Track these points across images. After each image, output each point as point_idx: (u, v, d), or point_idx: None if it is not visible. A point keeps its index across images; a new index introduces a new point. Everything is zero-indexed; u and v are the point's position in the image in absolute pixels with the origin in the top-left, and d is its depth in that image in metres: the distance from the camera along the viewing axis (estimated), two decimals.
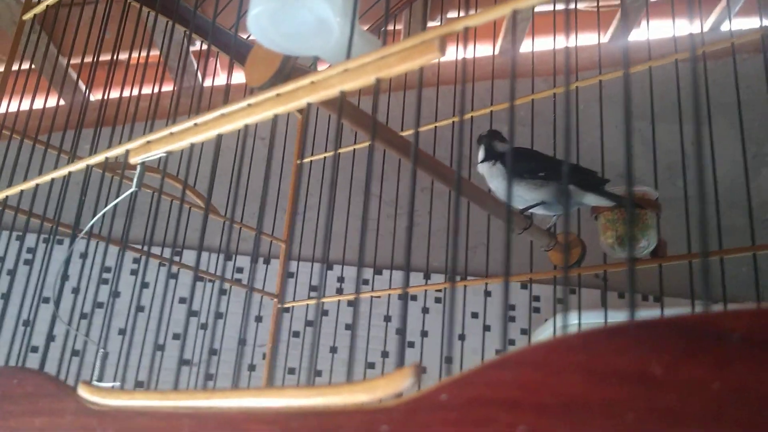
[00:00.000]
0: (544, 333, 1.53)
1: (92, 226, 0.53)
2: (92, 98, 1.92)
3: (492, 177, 0.92)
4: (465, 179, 0.75)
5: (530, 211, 0.89)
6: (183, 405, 0.40)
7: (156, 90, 1.75)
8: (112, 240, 0.80)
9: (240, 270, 1.73)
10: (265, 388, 0.36)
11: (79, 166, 0.54)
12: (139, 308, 1.66)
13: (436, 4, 1.77)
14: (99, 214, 0.50)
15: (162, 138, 0.48)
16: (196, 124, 0.47)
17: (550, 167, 0.89)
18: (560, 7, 1.70)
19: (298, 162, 0.99)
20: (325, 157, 1.00)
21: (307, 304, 1.65)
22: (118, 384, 0.44)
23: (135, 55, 1.66)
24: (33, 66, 1.52)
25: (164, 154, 0.48)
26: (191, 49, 1.87)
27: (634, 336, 0.25)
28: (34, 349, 1.58)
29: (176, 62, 1.86)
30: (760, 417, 0.22)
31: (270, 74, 0.43)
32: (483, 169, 0.94)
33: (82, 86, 1.86)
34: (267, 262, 1.66)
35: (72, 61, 1.81)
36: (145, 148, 0.49)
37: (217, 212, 0.85)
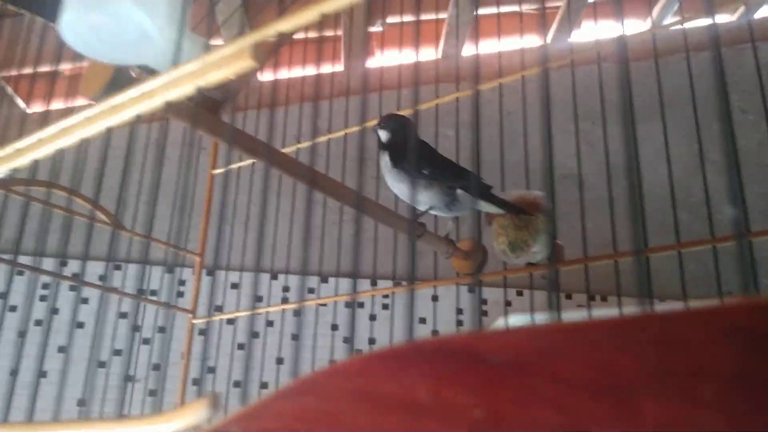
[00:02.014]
0: None
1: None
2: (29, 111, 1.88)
3: (383, 170, 0.88)
4: (353, 192, 0.74)
5: (432, 214, 0.85)
6: None
7: None
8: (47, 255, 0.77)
9: (182, 283, 1.69)
10: (75, 421, 0.34)
11: None
12: (79, 325, 1.62)
13: (376, 8, 1.76)
14: None
15: (6, 155, 0.46)
16: (39, 139, 0.45)
17: (436, 167, 0.85)
18: (490, 11, 1.69)
19: (213, 172, 0.97)
20: (240, 167, 0.97)
21: (252, 314, 1.62)
22: None
23: (63, 66, 1.62)
24: None
25: (10, 171, 0.46)
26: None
27: (404, 360, 0.24)
28: None
29: None
30: None
31: (101, 85, 0.41)
32: (381, 164, 0.89)
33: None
34: (208, 273, 1.63)
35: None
36: (16, 155, 0.46)
37: (122, 227, 0.82)
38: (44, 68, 1.76)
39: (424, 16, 1.83)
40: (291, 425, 0.26)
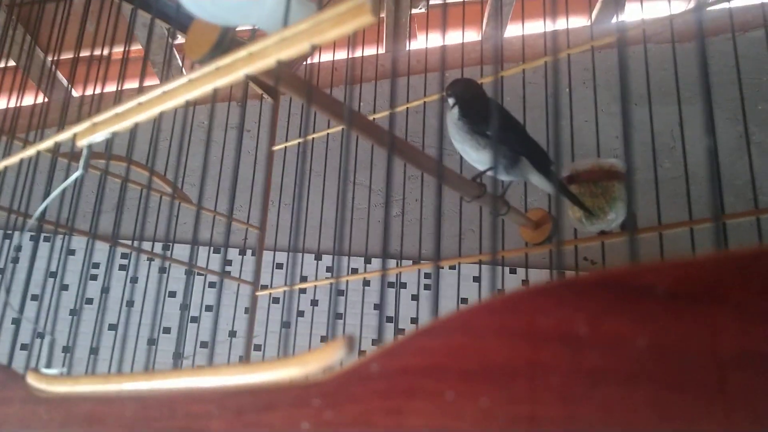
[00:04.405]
0: None
1: (45, 213, 0.52)
2: (75, 94, 1.91)
3: (449, 126, 0.87)
4: (432, 158, 0.74)
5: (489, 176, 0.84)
6: (125, 388, 0.39)
7: (140, 84, 1.73)
8: (99, 236, 0.79)
9: (230, 263, 1.72)
10: (201, 368, 0.35)
11: (30, 152, 0.53)
12: (130, 303, 1.66)
13: None
14: (46, 201, 0.48)
15: (107, 119, 0.47)
16: (140, 104, 0.46)
17: (502, 128, 0.84)
18: None
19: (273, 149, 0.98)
20: (299, 143, 0.98)
21: (298, 291, 1.64)
22: (65, 370, 0.43)
23: (116, 50, 1.64)
24: (12, 63, 1.51)
25: (110, 136, 0.47)
26: (174, 42, 1.85)
27: (557, 295, 0.24)
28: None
29: (160, 56, 1.85)
30: (681, 373, 0.21)
31: (209, 47, 0.42)
32: (448, 122, 0.88)
33: (64, 82, 1.85)
34: (253, 254, 1.65)
35: (54, 57, 1.80)
36: (91, 130, 0.48)
37: (189, 200, 0.84)
38: (88, 51, 1.79)
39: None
40: (437, 361, 0.26)
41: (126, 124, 0.47)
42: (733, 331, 0.20)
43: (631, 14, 2.11)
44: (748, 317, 0.20)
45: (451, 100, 0.86)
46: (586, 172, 0.81)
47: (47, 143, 0.52)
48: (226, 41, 0.42)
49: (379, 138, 0.56)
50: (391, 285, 1.64)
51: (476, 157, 0.83)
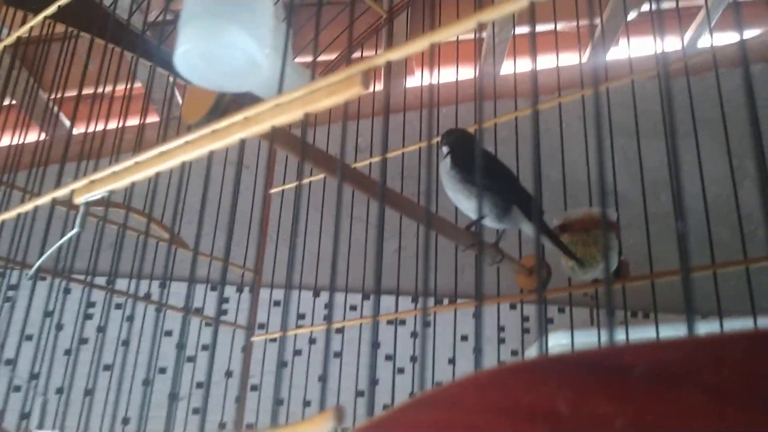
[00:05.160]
0: (532, 354, 1.52)
1: (40, 266, 0.53)
2: (75, 132, 1.93)
3: (442, 174, 0.88)
4: (421, 207, 0.75)
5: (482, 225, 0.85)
6: None
7: (141, 122, 1.75)
8: (96, 285, 0.79)
9: (227, 300, 1.72)
10: None
11: (27, 207, 0.54)
12: (125, 343, 1.65)
13: (405, 29, 1.78)
14: (43, 257, 0.49)
15: (104, 177, 0.48)
16: (137, 163, 0.47)
17: (493, 177, 0.86)
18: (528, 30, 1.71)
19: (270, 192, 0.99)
20: (296, 186, 0.99)
21: (295, 334, 1.64)
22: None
23: (118, 87, 1.67)
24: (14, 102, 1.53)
25: (107, 194, 0.48)
26: (177, 80, 1.88)
27: (541, 373, 0.25)
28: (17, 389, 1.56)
29: (160, 94, 1.87)
30: None
31: (205, 111, 0.43)
32: (441, 171, 0.89)
33: (64, 120, 1.87)
34: (250, 291, 1.65)
35: (54, 96, 1.82)
36: (89, 188, 0.49)
37: (184, 244, 0.84)
38: (90, 90, 1.82)
39: (463, 36, 1.85)
40: None
41: (123, 182, 0.47)
42: (709, 415, 0.21)
43: (621, 51, 2.15)
44: (724, 401, 0.21)
45: (444, 149, 0.88)
46: (578, 221, 0.82)
47: (45, 199, 0.52)
48: (222, 106, 0.43)
49: (373, 192, 0.57)
50: (390, 322, 1.64)
51: (468, 206, 0.84)
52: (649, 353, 0.23)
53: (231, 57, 0.38)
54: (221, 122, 0.42)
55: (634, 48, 2.04)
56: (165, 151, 0.45)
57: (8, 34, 0.90)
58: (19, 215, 0.56)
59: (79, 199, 0.49)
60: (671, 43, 2.09)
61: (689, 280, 0.24)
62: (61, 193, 0.51)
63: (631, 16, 1.90)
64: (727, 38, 2.08)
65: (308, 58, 1.80)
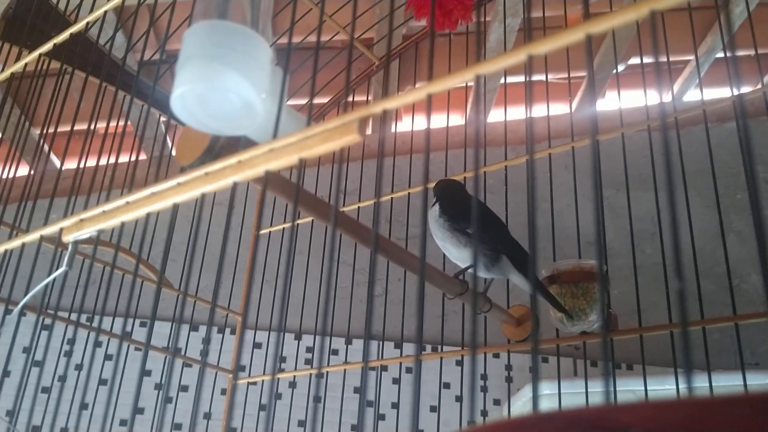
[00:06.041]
0: (515, 404, 1.50)
1: (26, 303, 0.52)
2: (64, 167, 1.92)
3: (430, 222, 0.88)
4: (415, 257, 0.75)
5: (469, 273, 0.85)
6: None
7: (131, 159, 1.75)
8: (83, 324, 0.78)
9: (209, 340, 1.69)
10: None
11: (15, 243, 0.54)
12: (102, 382, 1.61)
13: (402, 74, 1.81)
14: (30, 293, 0.48)
15: (94, 216, 0.48)
16: (127, 203, 0.47)
17: (483, 226, 0.86)
18: (517, 79, 1.74)
19: (257, 233, 0.98)
20: (283, 228, 0.99)
21: (278, 377, 1.61)
22: None
23: (106, 124, 1.67)
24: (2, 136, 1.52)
25: (96, 233, 0.47)
26: (164, 119, 1.88)
27: (535, 430, 0.25)
28: None
29: (151, 132, 1.87)
30: None
31: (199, 153, 0.43)
32: (429, 218, 0.90)
33: (54, 158, 1.87)
34: (232, 333, 1.63)
35: (45, 131, 1.82)
36: (78, 226, 0.48)
37: (171, 286, 0.83)
38: (80, 126, 1.82)
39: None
40: None
41: (113, 222, 0.47)
42: None
43: (610, 102, 2.19)
44: None
45: (433, 199, 0.88)
46: (567, 273, 0.83)
47: (33, 236, 0.52)
48: (217, 148, 0.43)
49: (361, 237, 0.57)
50: (372, 368, 1.62)
51: (457, 254, 0.84)
52: (646, 413, 0.22)
53: (227, 100, 0.39)
54: (215, 165, 0.42)
55: (623, 100, 2.08)
56: (157, 192, 0.45)
57: (2, 70, 0.90)
58: (5, 251, 0.55)
59: (67, 238, 0.48)
60: (658, 97, 2.14)
61: (688, 338, 0.24)
62: (50, 230, 0.50)
63: (620, 68, 1.94)
64: (710, 93, 2.13)
65: (301, 101, 1.81)
